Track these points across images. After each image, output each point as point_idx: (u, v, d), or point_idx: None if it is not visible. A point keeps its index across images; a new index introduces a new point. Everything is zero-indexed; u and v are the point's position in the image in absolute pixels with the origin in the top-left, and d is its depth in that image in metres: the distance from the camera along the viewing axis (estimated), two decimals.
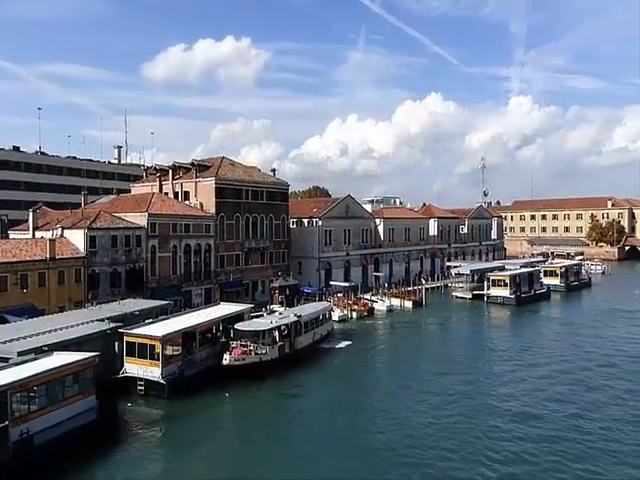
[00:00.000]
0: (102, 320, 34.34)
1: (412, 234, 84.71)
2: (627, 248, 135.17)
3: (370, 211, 79.57)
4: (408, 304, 62.68)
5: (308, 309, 45.52)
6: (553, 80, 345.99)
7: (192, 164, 61.13)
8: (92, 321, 34.19)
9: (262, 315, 45.54)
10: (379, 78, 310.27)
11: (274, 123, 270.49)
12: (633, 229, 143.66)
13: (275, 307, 52.85)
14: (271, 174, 68.28)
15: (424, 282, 72.08)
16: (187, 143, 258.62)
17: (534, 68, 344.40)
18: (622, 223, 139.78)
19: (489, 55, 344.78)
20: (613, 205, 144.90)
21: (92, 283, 45.54)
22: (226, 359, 34.48)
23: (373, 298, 63.66)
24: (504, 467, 22.56)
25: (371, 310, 58.73)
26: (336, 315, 54.40)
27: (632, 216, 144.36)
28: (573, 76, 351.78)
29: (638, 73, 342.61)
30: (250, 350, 35.70)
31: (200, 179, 59.33)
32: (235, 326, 37.72)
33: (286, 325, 39.09)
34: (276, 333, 37.94)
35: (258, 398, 32.38)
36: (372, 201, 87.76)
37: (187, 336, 34.74)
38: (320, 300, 54.96)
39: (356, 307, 57.66)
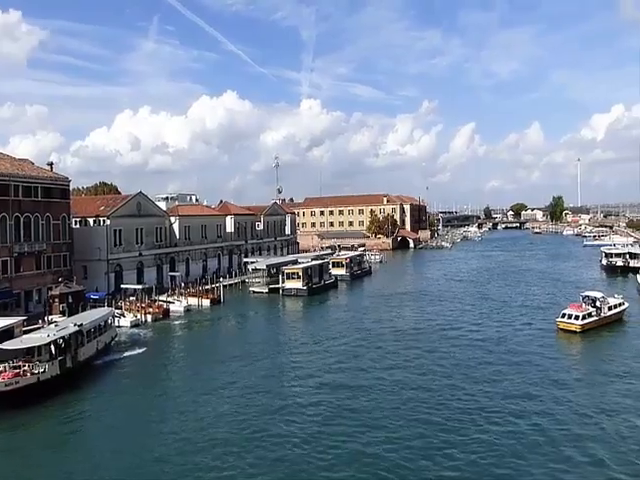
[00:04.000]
0: None
1: (209, 232, 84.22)
2: (399, 239, 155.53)
3: (165, 209, 76.76)
4: (206, 302, 62.10)
5: (89, 316, 41.75)
6: (338, 87, 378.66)
7: None
8: None
9: (40, 328, 40.34)
10: (173, 70, 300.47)
11: (53, 111, 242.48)
12: (403, 222, 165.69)
13: (55, 317, 47.30)
14: (48, 168, 60.80)
15: (222, 279, 72.32)
16: None
17: (322, 74, 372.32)
18: (395, 217, 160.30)
19: (282, 58, 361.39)
20: (388, 201, 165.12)
21: None
22: None
23: (169, 299, 61.42)
24: (300, 448, 23.91)
25: (167, 312, 56.68)
26: (128, 320, 51.27)
27: (402, 211, 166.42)
28: (355, 85, 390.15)
29: (407, 86, 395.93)
30: (24, 371, 31.27)
31: None
32: (1, 345, 32.61)
33: (64, 337, 34.97)
34: (54, 347, 33.80)
35: (35, 428, 27.94)
36: (167, 198, 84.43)
37: None
38: (110, 306, 50.94)
39: (150, 310, 54.93)
